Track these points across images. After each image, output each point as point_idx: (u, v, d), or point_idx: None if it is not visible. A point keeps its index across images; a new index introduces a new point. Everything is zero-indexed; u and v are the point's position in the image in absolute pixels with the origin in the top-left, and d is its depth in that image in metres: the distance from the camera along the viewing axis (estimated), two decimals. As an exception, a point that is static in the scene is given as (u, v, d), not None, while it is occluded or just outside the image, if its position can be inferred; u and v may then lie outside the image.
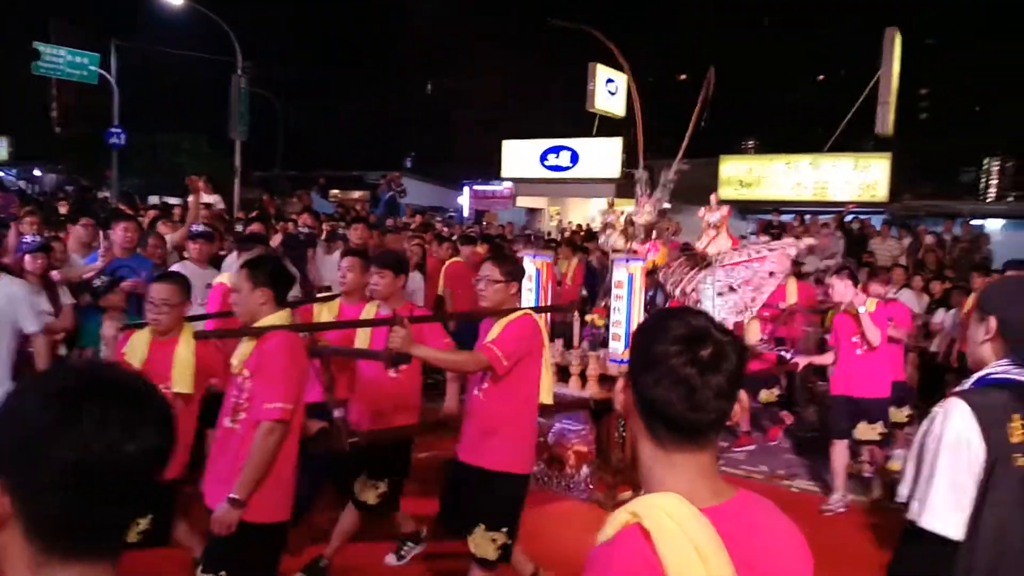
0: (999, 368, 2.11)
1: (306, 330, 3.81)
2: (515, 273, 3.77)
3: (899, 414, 6.35)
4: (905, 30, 16.16)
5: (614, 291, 5.49)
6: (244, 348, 3.16)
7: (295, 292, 6.60)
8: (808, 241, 6.21)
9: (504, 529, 3.44)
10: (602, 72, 19.92)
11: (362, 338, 4.22)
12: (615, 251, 5.53)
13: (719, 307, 5.68)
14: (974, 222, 14.56)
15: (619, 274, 5.47)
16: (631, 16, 30.08)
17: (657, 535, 1.14)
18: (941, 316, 8.79)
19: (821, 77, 33.15)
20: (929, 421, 2.15)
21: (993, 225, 16.25)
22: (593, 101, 19.84)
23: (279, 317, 3.17)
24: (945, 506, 2.00)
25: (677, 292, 5.88)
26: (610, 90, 20.34)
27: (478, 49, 30.34)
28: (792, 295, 7.71)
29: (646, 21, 30.56)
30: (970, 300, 7.66)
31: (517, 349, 3.46)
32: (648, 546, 1.14)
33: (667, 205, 20.60)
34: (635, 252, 5.58)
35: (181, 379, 3.58)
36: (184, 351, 3.62)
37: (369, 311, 4.29)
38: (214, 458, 3.20)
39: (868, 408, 5.73)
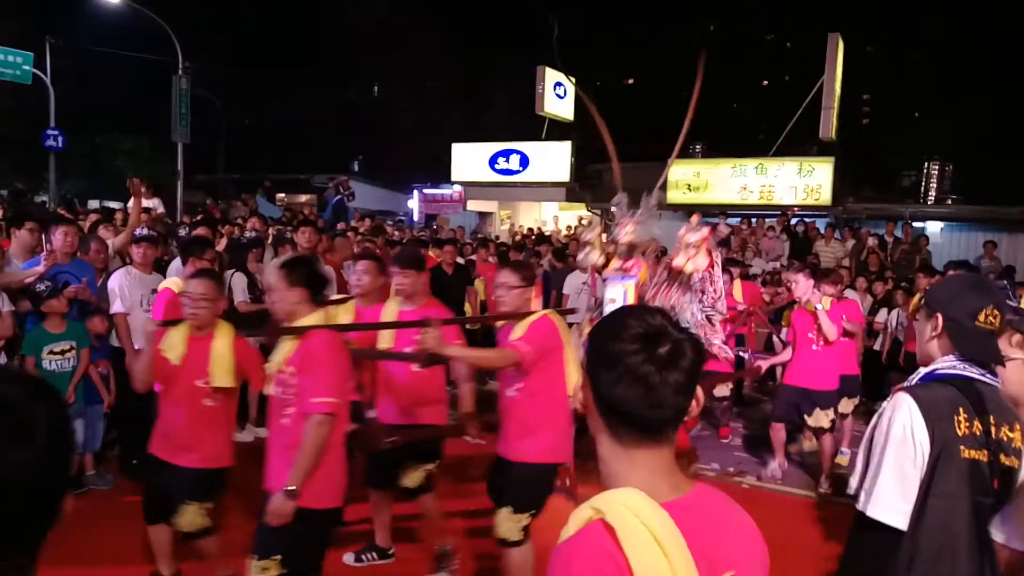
0: (945, 364, 2.18)
1: (345, 330, 3.89)
2: (531, 278, 4.02)
3: (848, 404, 6.71)
4: (847, 37, 16.61)
5: (607, 307, 5.55)
6: (285, 347, 3.23)
7: (243, 296, 6.55)
8: (701, 233, 6.39)
9: (531, 512, 3.71)
10: (551, 75, 20.03)
11: (385, 338, 4.35)
12: (594, 268, 5.68)
13: (698, 314, 5.75)
14: (915, 224, 15.00)
15: (613, 291, 5.48)
16: (578, 19, 30.32)
17: (620, 530, 1.15)
18: (884, 316, 9.04)
19: (765, 83, 33.86)
20: (877, 416, 2.22)
21: (933, 227, 16.77)
22: (542, 104, 19.95)
23: (317, 317, 3.27)
24: (892, 497, 2.07)
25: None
26: (558, 93, 20.47)
27: (425, 51, 30.23)
28: (738, 295, 7.83)
29: (593, 25, 30.82)
30: (915, 300, 7.94)
31: (541, 345, 3.64)
32: (612, 541, 1.15)
33: (615, 208, 20.64)
34: (627, 270, 5.60)
35: (220, 374, 3.69)
36: (221, 346, 3.72)
37: (389, 311, 4.41)
38: (269, 452, 3.28)
39: (820, 399, 6.07)
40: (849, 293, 8.77)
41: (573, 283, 8.82)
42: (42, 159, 20.20)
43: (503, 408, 3.85)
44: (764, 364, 6.76)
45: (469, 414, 4.26)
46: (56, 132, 19.44)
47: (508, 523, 3.67)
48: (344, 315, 4.60)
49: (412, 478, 4.28)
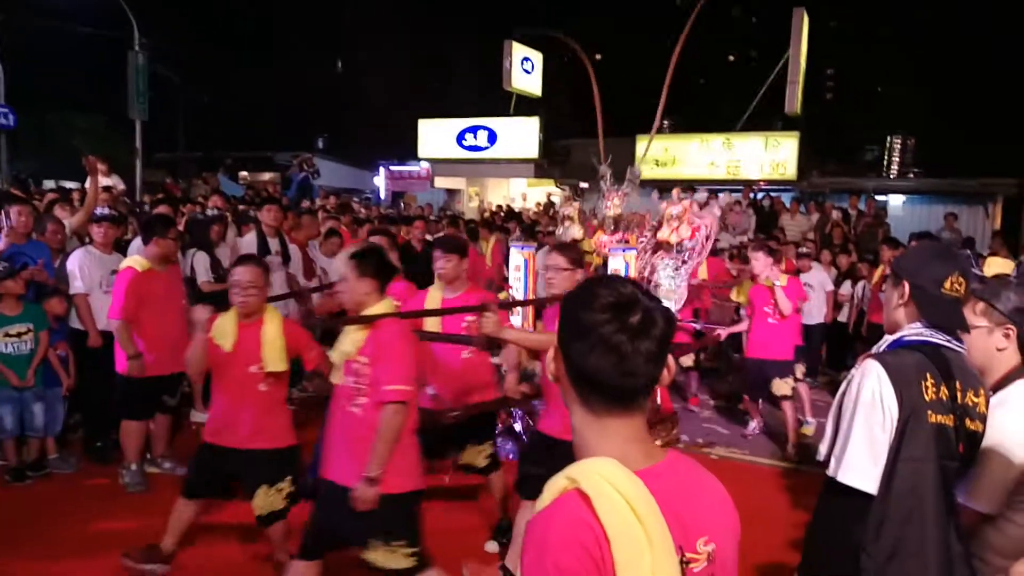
0: (912, 331, 2.21)
1: (410, 317, 3.94)
2: (580, 261, 4.12)
3: (798, 370, 6.98)
4: (812, 12, 16.66)
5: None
6: (355, 336, 3.27)
7: (206, 275, 6.44)
8: (726, 199, 6.72)
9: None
10: (518, 50, 19.81)
11: (431, 323, 4.45)
12: (575, 241, 5.90)
13: (676, 282, 6.24)
14: (878, 198, 15.20)
15: (615, 262, 5.81)
16: (545, -4, 30.11)
17: (596, 499, 1.15)
18: (848, 288, 9.16)
19: (732, 58, 33.94)
20: (846, 383, 2.25)
21: (895, 200, 17.03)
22: (510, 80, 19.75)
23: (384, 305, 3.31)
24: (862, 462, 2.11)
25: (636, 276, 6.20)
26: (526, 68, 20.29)
27: (390, 26, 29.79)
28: (703, 272, 7.93)
29: (560, 1, 30.61)
30: (879, 272, 8.12)
31: None
32: (587, 510, 1.15)
33: (585, 184, 20.65)
34: (627, 242, 6.06)
35: (272, 358, 3.77)
36: (271, 331, 3.80)
37: (433, 297, 4.53)
38: (335, 441, 3.31)
39: (779, 368, 6.49)
40: (815, 266, 8.92)
41: (542, 260, 8.84)
42: (-8, 138, 19.62)
43: (547, 388, 3.92)
44: (723, 332, 6.95)
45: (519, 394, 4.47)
46: (6, 110, 18.82)
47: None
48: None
49: (475, 458, 4.49)
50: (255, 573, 4.16)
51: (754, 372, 6.65)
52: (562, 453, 3.18)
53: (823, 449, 2.28)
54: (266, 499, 3.80)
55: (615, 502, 1.14)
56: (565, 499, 1.19)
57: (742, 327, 6.86)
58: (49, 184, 16.52)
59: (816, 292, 8.40)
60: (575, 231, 6.21)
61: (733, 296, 7.95)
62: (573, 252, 4.14)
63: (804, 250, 9.01)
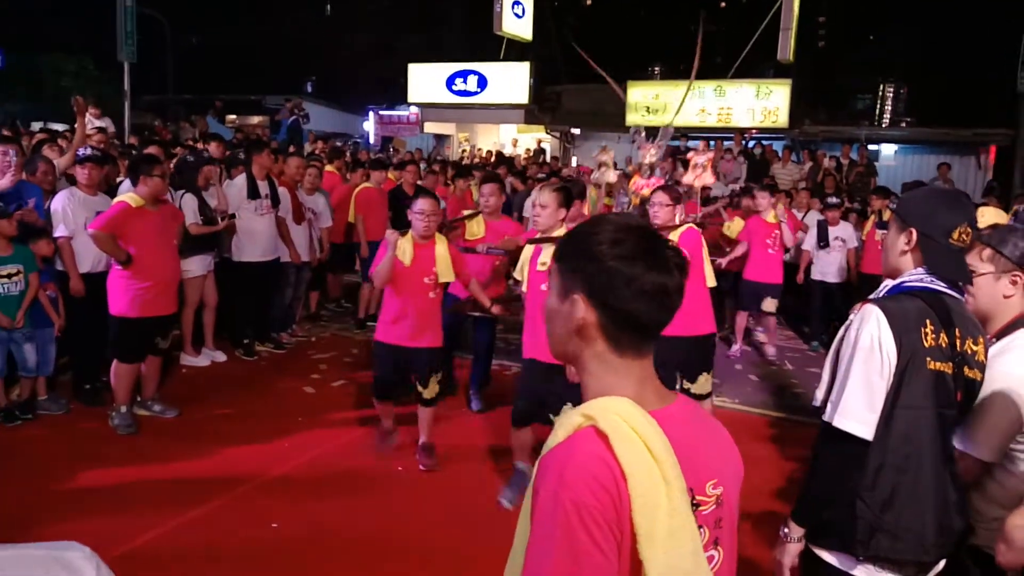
0: (914, 277, 2.17)
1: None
2: (680, 198, 5.27)
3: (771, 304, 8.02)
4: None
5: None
6: (546, 255, 4.07)
7: (194, 217, 6.36)
8: (708, 155, 8.19)
9: (709, 370, 5.09)
10: (508, -8, 19.43)
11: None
12: (608, 185, 6.96)
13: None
14: (870, 147, 15.12)
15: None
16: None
17: (613, 436, 1.14)
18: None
19: (723, 4, 33.37)
20: (844, 328, 2.22)
21: (888, 150, 16.93)
22: (500, 24, 19.37)
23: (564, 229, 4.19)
24: (859, 407, 2.08)
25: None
26: (517, 12, 19.88)
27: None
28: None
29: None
30: (870, 221, 8.18)
31: (693, 249, 4.69)
32: (604, 447, 1.14)
33: (576, 131, 20.40)
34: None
35: (444, 270, 4.74)
36: (442, 250, 4.76)
37: (479, 224, 5.83)
38: (538, 329, 4.05)
39: (772, 290, 7.88)
40: (812, 214, 8.97)
41: (531, 200, 8.92)
42: (-21, 80, 19.22)
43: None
44: (723, 261, 7.78)
45: None
46: (-5, 51, 18.46)
47: (707, 382, 5.04)
48: (477, 227, 5.84)
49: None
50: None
51: (750, 292, 7.90)
52: (693, 344, 4.35)
53: (819, 395, 2.25)
54: (433, 385, 4.81)
55: (632, 441, 1.14)
56: (581, 436, 1.17)
57: (739, 251, 7.90)
58: (38, 126, 16.21)
59: (841, 248, 8.55)
60: (610, 176, 7.04)
61: (724, 231, 8.52)
62: (675, 192, 5.28)
63: (834, 200, 8.94)
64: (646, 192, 7.24)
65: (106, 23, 17.56)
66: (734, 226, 8.32)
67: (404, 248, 4.66)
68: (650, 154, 7.00)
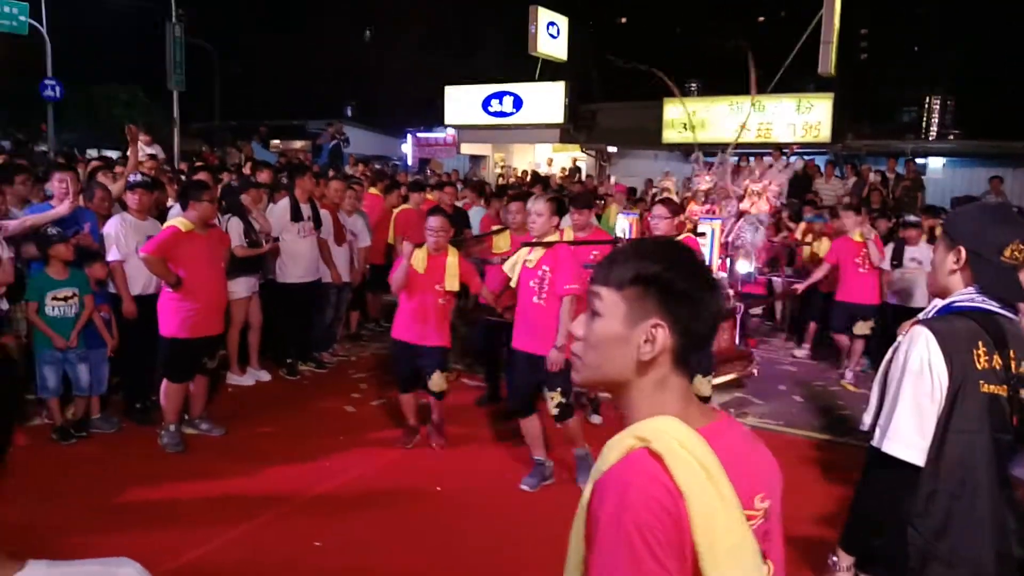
0: (964, 296, 2.11)
1: (574, 244, 5.38)
2: (679, 210, 5.90)
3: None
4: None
5: (700, 241, 6.64)
6: (536, 255, 4.82)
7: (240, 240, 6.48)
8: (763, 183, 7.71)
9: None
10: (543, 15, 19.57)
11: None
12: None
13: (756, 240, 7.42)
14: (917, 161, 14.81)
15: (703, 228, 6.85)
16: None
17: (668, 457, 1.15)
18: (889, 253, 8.93)
19: (761, 19, 33.19)
20: (892, 350, 2.17)
21: (935, 163, 16.56)
22: (535, 44, 19.52)
23: (556, 236, 4.98)
24: (909, 433, 2.03)
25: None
26: (551, 33, 20.02)
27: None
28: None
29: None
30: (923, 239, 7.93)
31: None
32: (660, 468, 1.15)
33: (613, 149, 20.33)
34: (714, 213, 7.28)
35: (451, 281, 5.30)
36: (452, 262, 5.35)
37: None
38: (526, 323, 4.84)
39: (864, 312, 7.65)
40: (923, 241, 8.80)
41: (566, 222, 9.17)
42: (40, 110, 19.86)
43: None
44: (799, 287, 8.13)
45: None
46: (54, 82, 19.08)
47: (708, 386, 5.73)
48: (503, 241, 6.49)
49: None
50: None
51: (842, 313, 7.77)
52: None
53: (867, 419, 2.20)
54: (439, 381, 5.39)
55: (686, 460, 1.15)
56: (635, 457, 1.18)
57: (819, 275, 7.95)
58: (93, 153, 16.75)
59: (922, 269, 7.93)
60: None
61: (814, 250, 8.78)
62: (672, 204, 5.85)
63: (913, 219, 8.51)
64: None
65: (156, 53, 18.12)
66: (823, 246, 8.44)
67: (419, 258, 5.33)
68: (705, 181, 7.56)
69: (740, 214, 7.40)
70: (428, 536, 4.24)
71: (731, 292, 7.16)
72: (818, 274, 7.96)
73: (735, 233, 7.31)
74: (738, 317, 7.35)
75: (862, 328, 7.67)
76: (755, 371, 7.38)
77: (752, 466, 1.31)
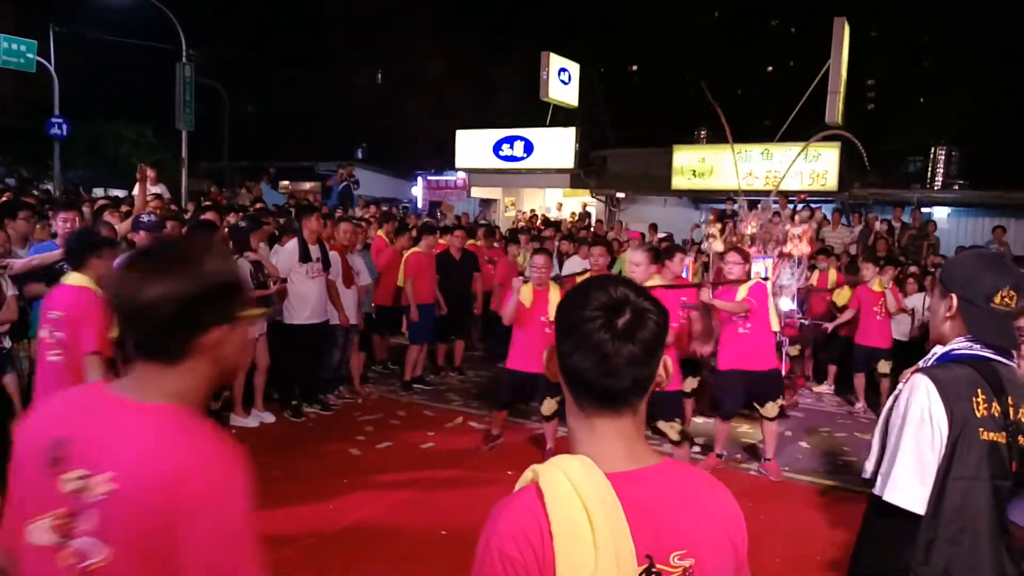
0: (962, 344, 2.13)
1: (680, 287, 6.24)
2: (749, 257, 6.42)
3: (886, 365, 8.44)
4: (852, 22, 16.45)
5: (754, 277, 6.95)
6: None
7: (247, 281, 6.54)
8: (804, 227, 8.37)
9: (780, 398, 6.29)
10: (555, 61, 19.89)
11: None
12: (714, 253, 7.76)
13: (793, 283, 7.98)
14: (923, 210, 14.88)
15: (757, 267, 7.24)
16: (578, 4, 30.12)
17: (548, 495, 1.17)
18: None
19: (770, 68, 33.63)
20: (893, 399, 2.18)
21: (940, 213, 16.62)
22: (547, 90, 19.80)
23: (656, 279, 5.69)
24: (910, 481, 2.03)
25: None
26: (563, 79, 20.33)
27: (429, 38, 30.08)
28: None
29: (595, 10, 30.62)
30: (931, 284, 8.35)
31: (759, 299, 6.03)
32: (539, 504, 1.17)
33: (621, 195, 20.42)
34: (765, 253, 7.84)
35: (553, 312, 5.34)
36: (554, 296, 5.97)
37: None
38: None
39: (882, 354, 8.35)
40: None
41: (571, 267, 9.47)
42: (47, 147, 20.14)
43: (734, 339, 6.15)
44: (829, 326, 8.75)
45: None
46: (60, 120, 19.37)
47: (775, 408, 6.07)
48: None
49: (670, 431, 5.56)
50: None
51: (861, 355, 8.47)
52: (770, 377, 6.16)
53: (869, 467, 2.21)
54: (550, 405, 5.99)
55: (566, 500, 1.15)
56: (525, 491, 1.22)
57: (846, 317, 8.57)
58: (99, 192, 16.90)
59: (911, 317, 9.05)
60: (717, 246, 7.83)
61: (834, 298, 9.31)
62: (744, 253, 6.35)
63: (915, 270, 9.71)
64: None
65: (165, 92, 18.40)
66: (843, 294, 9.18)
67: (526, 293, 6.00)
68: (752, 225, 8.04)
69: (782, 255, 7.99)
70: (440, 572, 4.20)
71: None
72: (845, 316, 8.62)
73: (775, 273, 7.91)
74: (784, 351, 7.89)
75: (883, 367, 8.35)
76: (797, 401, 8.34)
77: (680, 520, 1.24)
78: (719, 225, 8.35)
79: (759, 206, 8.52)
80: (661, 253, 6.27)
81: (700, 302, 6.04)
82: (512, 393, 6.34)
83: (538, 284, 6.11)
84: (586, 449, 1.26)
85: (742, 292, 6.01)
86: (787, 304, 7.95)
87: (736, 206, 8.15)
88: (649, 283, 5.30)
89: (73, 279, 3.98)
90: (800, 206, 15.30)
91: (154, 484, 1.24)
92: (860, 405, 8.51)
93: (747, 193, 17.03)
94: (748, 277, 6.22)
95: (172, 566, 1.24)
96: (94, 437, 1.30)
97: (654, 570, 1.20)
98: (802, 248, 8.02)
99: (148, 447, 1.28)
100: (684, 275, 7.04)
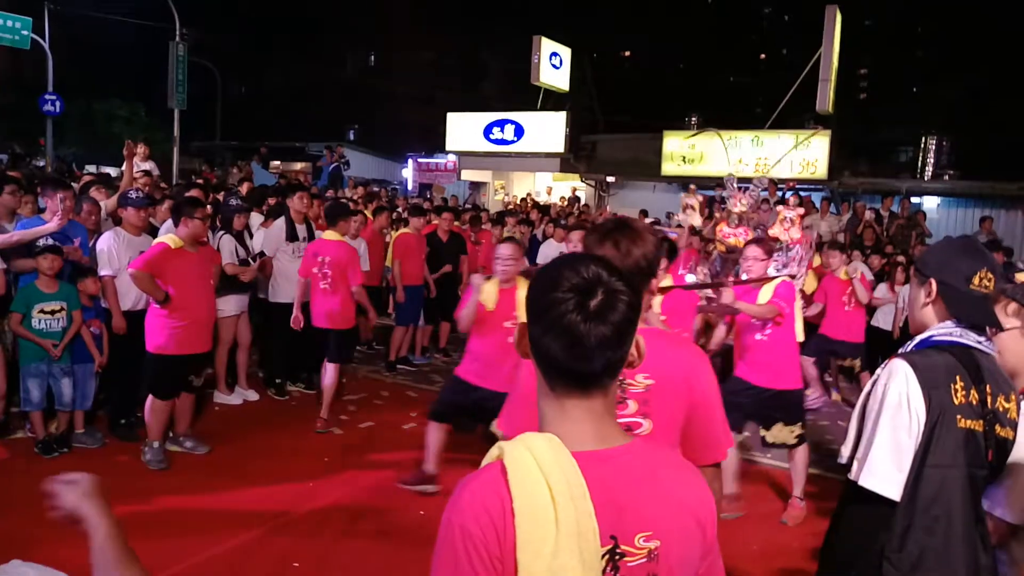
0: (942, 330, 2.12)
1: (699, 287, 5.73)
2: (772, 251, 5.65)
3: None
4: (844, 10, 16.43)
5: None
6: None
7: (230, 258, 6.48)
8: (798, 210, 8.05)
9: (801, 422, 5.04)
10: (547, 45, 19.81)
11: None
12: (691, 227, 7.32)
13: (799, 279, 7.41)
14: (912, 200, 14.92)
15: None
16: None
17: (512, 471, 1.16)
18: (884, 291, 8.99)
19: (763, 56, 33.59)
20: (871, 383, 2.17)
21: (930, 202, 16.67)
22: (538, 74, 19.74)
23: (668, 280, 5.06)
24: (885, 466, 2.03)
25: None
26: (554, 64, 20.26)
27: (421, 20, 29.87)
28: None
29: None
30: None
31: (788, 301, 4.93)
32: (502, 481, 1.16)
33: (611, 179, 20.41)
34: (746, 234, 7.27)
35: (523, 315, 4.53)
36: (523, 294, 4.23)
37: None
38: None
39: (845, 349, 7.82)
40: (863, 266, 9.00)
41: (546, 252, 9.39)
42: (39, 124, 19.98)
43: (755, 347, 5.06)
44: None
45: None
46: (54, 97, 19.19)
47: (784, 432, 4.98)
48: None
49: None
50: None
51: (818, 345, 7.71)
52: (771, 397, 4.94)
53: (845, 452, 2.20)
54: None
55: (530, 477, 1.15)
56: (489, 467, 1.21)
57: (813, 311, 7.80)
58: (91, 169, 16.80)
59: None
60: (695, 219, 7.42)
61: (800, 287, 8.61)
62: (767, 244, 5.43)
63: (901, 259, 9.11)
64: (732, 241, 7.52)
65: (158, 71, 18.27)
66: (808, 281, 8.29)
67: (489, 292, 4.77)
68: (740, 203, 7.61)
69: (770, 240, 7.44)
70: (408, 560, 4.19)
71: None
72: (810, 312, 7.75)
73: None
74: None
75: (855, 364, 7.97)
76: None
77: (647, 502, 1.23)
78: (697, 196, 8.07)
79: (747, 191, 8.21)
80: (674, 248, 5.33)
81: (720, 305, 5.18)
82: (454, 406, 5.00)
83: (504, 281, 4.85)
84: (554, 428, 1.24)
85: (766, 293, 4.97)
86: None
87: (726, 192, 7.74)
88: (663, 283, 4.68)
89: (330, 235, 6.35)
90: (789, 193, 15.34)
91: (678, 376, 1.99)
92: (815, 395, 7.77)
93: (737, 180, 17.12)
94: (769, 275, 5.29)
95: (682, 426, 2.01)
96: None
97: (618, 551, 1.19)
98: (793, 234, 7.62)
99: (667, 353, 1.99)
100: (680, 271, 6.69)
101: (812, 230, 7.86)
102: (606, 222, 2.12)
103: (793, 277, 6.16)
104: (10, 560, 1.13)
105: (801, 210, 7.71)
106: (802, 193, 15.30)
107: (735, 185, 8.03)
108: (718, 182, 15.85)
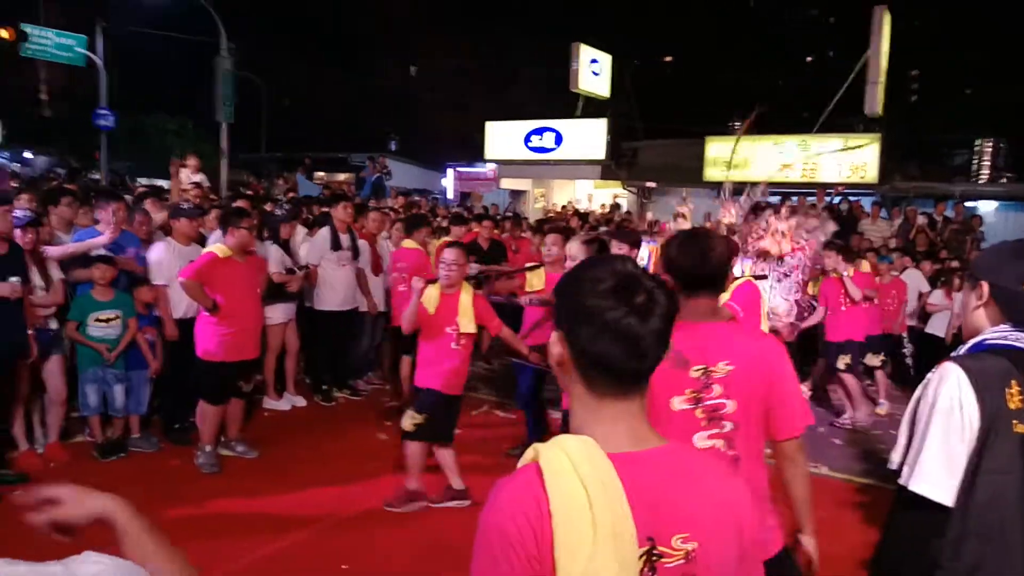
0: (996, 334, 2.05)
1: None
2: (736, 251, 5.48)
3: (874, 359, 7.98)
4: (894, 11, 16.11)
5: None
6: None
7: (277, 267, 6.60)
8: (829, 228, 7.56)
9: None
10: (585, 52, 19.77)
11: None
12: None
13: (777, 291, 6.87)
14: (967, 204, 14.52)
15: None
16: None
17: (548, 474, 1.17)
18: (939, 298, 8.79)
19: (809, 59, 33.10)
20: (923, 387, 2.11)
21: (986, 207, 16.19)
22: (577, 82, 19.71)
23: None
24: (937, 471, 1.97)
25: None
26: (594, 70, 20.22)
27: (461, 29, 30.12)
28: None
29: (632, 2, 30.39)
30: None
31: (745, 304, 4.57)
32: (539, 483, 1.17)
33: (652, 185, 20.18)
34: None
35: (466, 321, 4.75)
36: (466, 300, 4.78)
37: None
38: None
39: (851, 347, 7.57)
40: (910, 272, 9.05)
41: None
42: (94, 138, 20.60)
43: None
44: (803, 325, 7.64)
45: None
46: (107, 112, 19.77)
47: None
48: (537, 280, 5.69)
49: None
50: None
51: (833, 353, 7.65)
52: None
53: (895, 458, 2.13)
54: (408, 421, 4.81)
55: (566, 478, 1.15)
56: (526, 469, 1.21)
57: (816, 318, 7.63)
58: (143, 181, 17.29)
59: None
60: (685, 227, 7.15)
61: (808, 289, 8.16)
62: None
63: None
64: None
65: (206, 85, 18.68)
66: (816, 283, 8.07)
67: (430, 296, 4.75)
68: (729, 214, 7.19)
69: (759, 253, 7.02)
70: (457, 559, 4.21)
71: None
72: (813, 320, 7.61)
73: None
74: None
75: (873, 360, 7.92)
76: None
77: (684, 503, 1.23)
78: (690, 205, 7.98)
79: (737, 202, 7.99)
80: (603, 244, 5.32)
81: None
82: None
83: (446, 286, 4.79)
84: (589, 430, 1.25)
85: (723, 295, 4.97)
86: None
87: (718, 201, 7.55)
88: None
89: (408, 243, 6.96)
90: (838, 199, 15.07)
91: (755, 361, 2.30)
92: (884, 402, 7.95)
93: (784, 185, 16.83)
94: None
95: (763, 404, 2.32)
96: (709, 347, 2.27)
97: (655, 552, 1.19)
98: (784, 247, 6.94)
99: (744, 342, 2.35)
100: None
101: (816, 235, 7.48)
102: (680, 232, 2.52)
103: (763, 277, 5.94)
104: (83, 552, 1.15)
105: (792, 222, 7.35)
106: (851, 198, 15.03)
107: (727, 194, 7.83)
108: (751, 185, 15.60)
